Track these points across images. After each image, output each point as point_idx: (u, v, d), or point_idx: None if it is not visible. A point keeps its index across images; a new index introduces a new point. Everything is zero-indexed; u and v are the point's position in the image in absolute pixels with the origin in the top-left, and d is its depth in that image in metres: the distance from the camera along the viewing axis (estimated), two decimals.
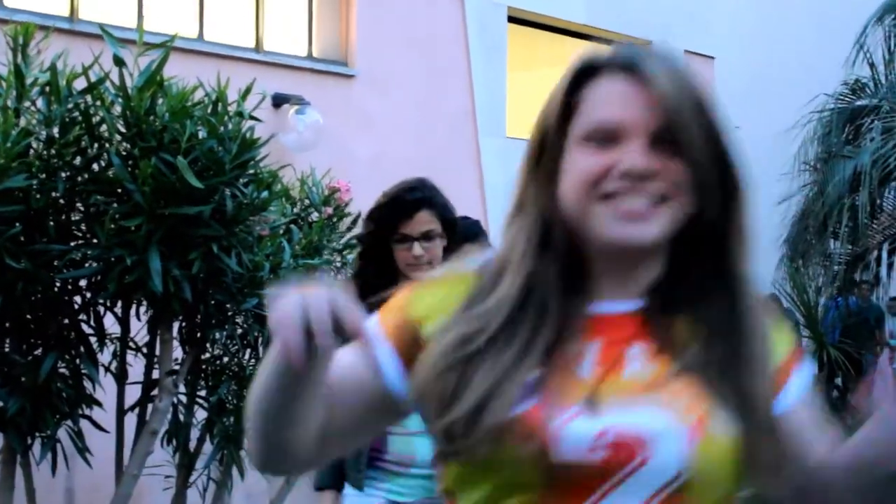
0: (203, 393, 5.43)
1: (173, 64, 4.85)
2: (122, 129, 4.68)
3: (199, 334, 5.24)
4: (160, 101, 4.68)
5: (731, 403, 1.54)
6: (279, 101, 8.83)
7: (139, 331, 5.23)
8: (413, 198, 3.69)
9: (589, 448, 1.50)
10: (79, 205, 4.81)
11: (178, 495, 5.45)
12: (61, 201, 4.75)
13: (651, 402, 1.53)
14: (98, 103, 4.69)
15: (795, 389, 1.66)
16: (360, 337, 1.46)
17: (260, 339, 5.54)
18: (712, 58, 13.46)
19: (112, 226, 4.60)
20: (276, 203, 5.35)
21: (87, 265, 4.76)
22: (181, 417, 5.33)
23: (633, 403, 1.53)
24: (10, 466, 4.87)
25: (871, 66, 12.72)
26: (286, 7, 9.74)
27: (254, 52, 8.93)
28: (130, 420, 5.22)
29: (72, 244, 4.77)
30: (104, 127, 4.70)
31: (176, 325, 5.18)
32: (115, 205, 4.68)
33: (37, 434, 4.90)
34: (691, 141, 1.54)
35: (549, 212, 1.60)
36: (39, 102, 4.71)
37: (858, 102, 12.82)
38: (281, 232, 5.37)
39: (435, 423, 1.56)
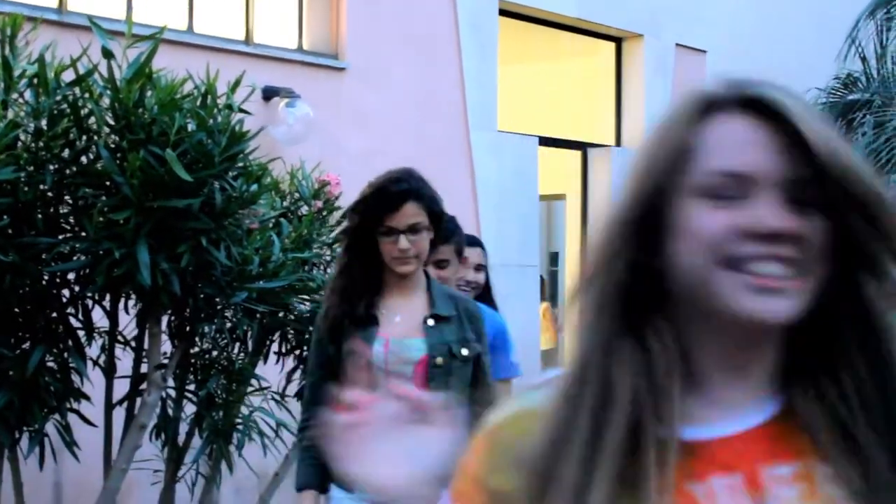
0: (192, 387, 5.42)
1: (162, 56, 4.82)
2: (111, 122, 4.65)
3: (188, 328, 5.22)
4: (149, 93, 4.65)
5: None
6: (269, 93, 8.78)
7: (128, 324, 5.21)
8: (399, 189, 3.65)
9: None
10: (67, 197, 4.78)
11: (167, 490, 5.44)
12: (49, 194, 4.73)
13: None
14: (86, 95, 4.66)
15: None
16: None
17: (249, 334, 5.53)
18: (704, 51, 13.44)
19: (100, 219, 4.58)
20: (266, 196, 5.32)
21: (75, 258, 4.74)
22: (170, 412, 5.32)
23: None
24: None
25: (863, 60, 12.72)
26: None
27: (244, 44, 8.89)
28: (119, 414, 5.20)
29: (60, 237, 4.75)
30: (93, 119, 4.67)
31: (165, 319, 5.16)
32: (103, 197, 4.65)
33: (24, 428, 4.88)
34: (846, 193, 1.27)
35: (646, 284, 1.33)
36: (27, 94, 4.68)
37: (850, 97, 12.82)
38: (270, 225, 5.35)
39: None
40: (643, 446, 1.26)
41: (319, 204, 5.95)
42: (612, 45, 12.82)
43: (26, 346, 4.79)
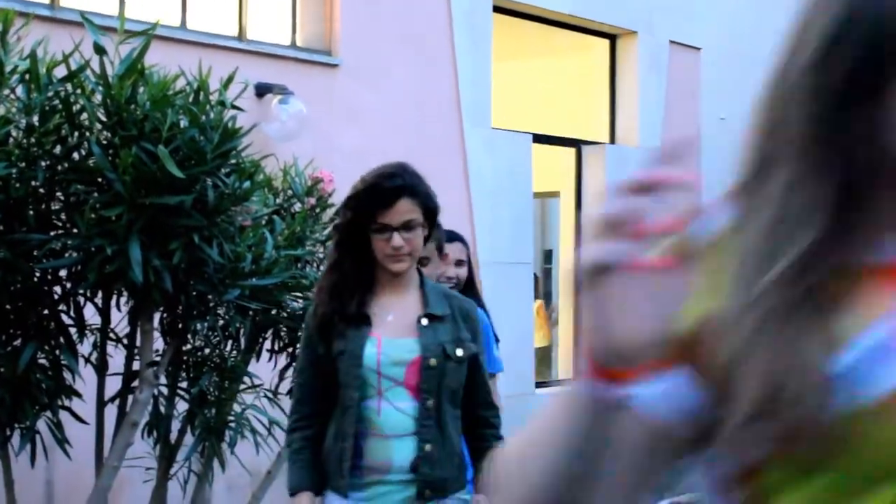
0: (184, 384, 5.41)
1: (155, 52, 4.81)
2: (103, 118, 4.64)
3: (180, 325, 5.21)
4: (141, 89, 4.64)
5: None
6: (262, 90, 8.76)
7: (119, 321, 5.20)
8: (393, 185, 3.55)
9: None
10: (59, 194, 4.77)
11: (159, 487, 5.42)
12: (41, 190, 4.72)
13: None
14: (78, 91, 4.65)
15: None
16: None
17: (242, 331, 5.51)
18: (698, 49, 13.43)
19: (92, 215, 4.57)
20: (259, 193, 5.31)
21: (66, 255, 4.72)
22: (162, 409, 5.31)
23: None
24: None
25: None
26: None
27: (237, 40, 8.87)
28: (111, 411, 5.19)
29: (51, 234, 4.73)
30: (84, 115, 4.65)
31: (157, 316, 5.15)
32: (95, 194, 4.64)
33: (16, 425, 4.87)
34: None
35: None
36: (19, 90, 4.66)
37: None
38: (263, 222, 5.34)
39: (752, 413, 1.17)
40: None
41: (312, 201, 5.94)
42: (606, 42, 12.81)
43: (18, 343, 4.78)
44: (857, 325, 1.18)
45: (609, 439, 1.17)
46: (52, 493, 7.31)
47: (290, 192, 5.95)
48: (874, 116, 1.19)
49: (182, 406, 5.44)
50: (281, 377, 5.77)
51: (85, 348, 5.10)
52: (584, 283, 1.07)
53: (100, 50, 4.60)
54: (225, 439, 5.45)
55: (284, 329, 5.60)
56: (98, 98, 4.65)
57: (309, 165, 6.13)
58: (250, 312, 5.32)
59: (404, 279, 3.68)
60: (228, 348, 5.56)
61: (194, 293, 4.98)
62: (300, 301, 5.52)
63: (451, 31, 10.61)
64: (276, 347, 5.70)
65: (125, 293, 4.99)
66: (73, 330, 4.98)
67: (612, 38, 12.81)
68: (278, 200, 5.85)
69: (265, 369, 5.74)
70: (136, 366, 5.12)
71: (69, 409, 5.06)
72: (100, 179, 4.63)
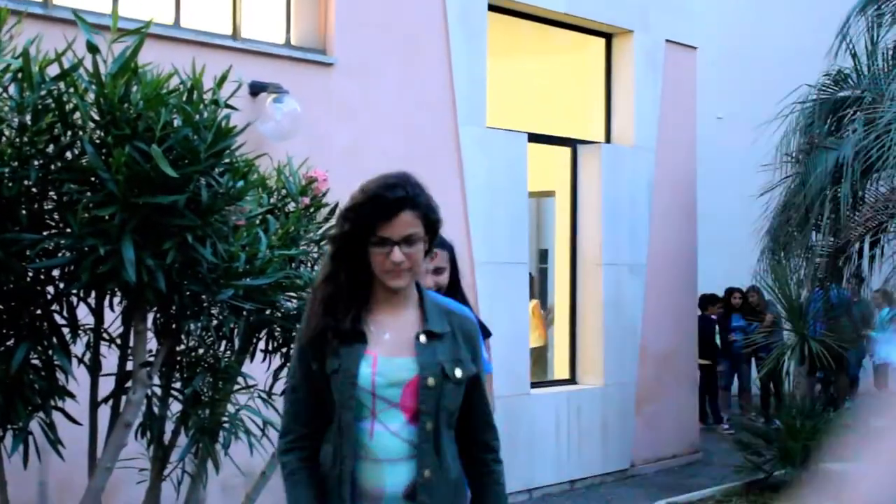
0: (178, 385, 5.39)
1: (148, 51, 4.79)
2: (96, 117, 4.62)
3: (173, 325, 5.19)
4: (134, 88, 4.62)
5: None
6: (256, 89, 8.75)
7: (113, 322, 5.17)
8: (395, 197, 3.32)
9: None
10: (51, 193, 4.75)
11: (153, 488, 5.40)
12: (34, 190, 4.69)
13: None
14: (71, 90, 4.63)
15: None
16: None
17: (235, 331, 5.49)
18: (694, 48, 13.42)
19: (85, 215, 4.55)
20: (253, 192, 5.29)
21: (59, 255, 4.70)
22: (155, 410, 5.29)
23: None
24: None
25: (854, 56, 12.69)
26: None
27: (231, 39, 8.84)
28: (104, 412, 5.17)
29: (44, 233, 4.71)
30: (77, 114, 4.63)
31: (150, 316, 5.13)
32: (88, 193, 4.62)
33: (8, 426, 4.86)
34: None
35: None
36: (12, 89, 4.64)
37: (841, 93, 12.79)
38: (257, 222, 5.31)
39: None
40: None
41: (307, 200, 5.91)
42: (601, 41, 12.79)
43: (10, 343, 4.76)
44: None
45: None
46: (46, 495, 7.29)
47: (284, 192, 5.92)
48: None
49: (176, 407, 5.42)
50: (275, 378, 5.74)
51: (78, 349, 5.08)
52: None
53: (93, 48, 4.58)
54: (219, 440, 5.42)
55: (278, 329, 5.58)
56: (91, 97, 4.63)
57: (303, 164, 6.10)
58: (244, 312, 5.29)
59: (403, 295, 3.47)
60: (222, 348, 5.54)
61: (188, 293, 4.96)
62: (294, 301, 5.50)
63: (445, 30, 10.59)
64: (270, 348, 5.68)
65: (118, 293, 4.96)
66: (66, 330, 4.96)
67: (608, 37, 12.80)
68: (272, 200, 5.82)
69: (259, 370, 5.72)
70: (129, 366, 5.10)
71: (62, 410, 5.04)
72: (93, 179, 4.60)
